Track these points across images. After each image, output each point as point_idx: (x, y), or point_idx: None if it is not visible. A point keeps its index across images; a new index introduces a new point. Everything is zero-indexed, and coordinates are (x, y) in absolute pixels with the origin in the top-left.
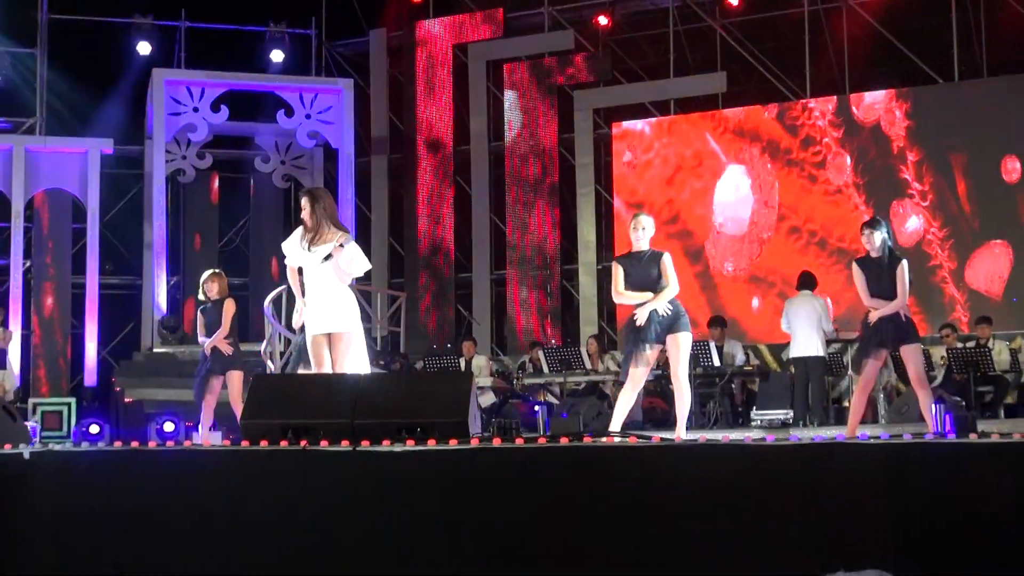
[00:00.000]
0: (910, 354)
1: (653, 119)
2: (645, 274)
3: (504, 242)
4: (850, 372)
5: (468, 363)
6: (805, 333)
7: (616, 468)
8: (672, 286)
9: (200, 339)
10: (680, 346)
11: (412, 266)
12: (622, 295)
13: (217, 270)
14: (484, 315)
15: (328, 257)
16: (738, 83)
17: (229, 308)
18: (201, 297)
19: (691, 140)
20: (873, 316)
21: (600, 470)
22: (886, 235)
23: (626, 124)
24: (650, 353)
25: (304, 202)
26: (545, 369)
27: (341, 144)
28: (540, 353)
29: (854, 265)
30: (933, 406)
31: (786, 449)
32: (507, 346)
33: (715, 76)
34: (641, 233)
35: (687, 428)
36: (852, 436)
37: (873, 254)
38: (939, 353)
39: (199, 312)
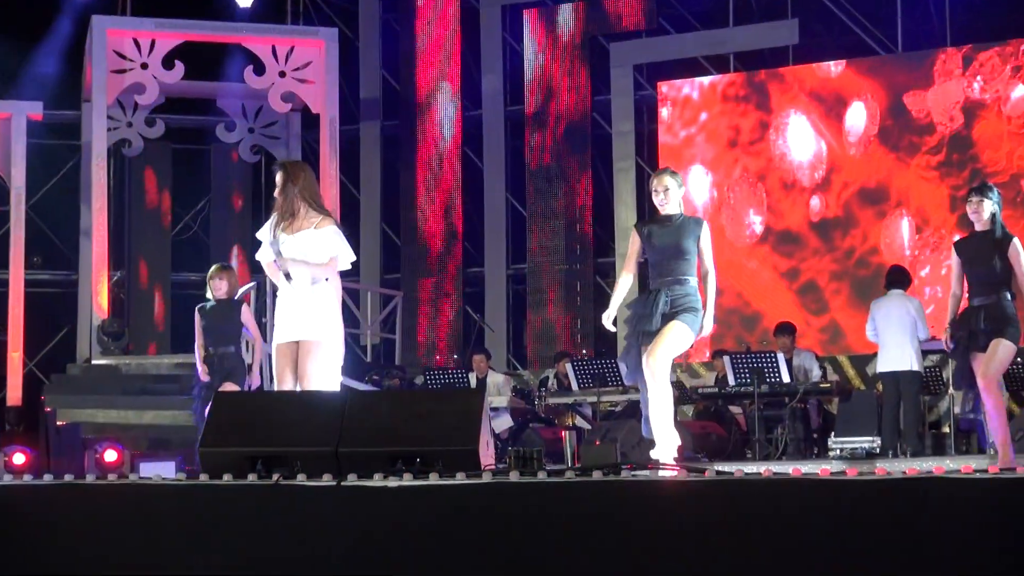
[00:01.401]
0: (994, 349)
1: (708, 78)
2: (673, 245)
3: (524, 229)
4: (951, 391)
5: (480, 379)
6: (896, 342)
7: (660, 508)
8: (711, 274)
9: (198, 349)
10: (667, 334)
11: (410, 259)
12: (618, 284)
13: (227, 264)
14: (499, 320)
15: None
16: (812, 34)
17: (248, 312)
18: (208, 296)
19: (754, 104)
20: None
21: (641, 510)
22: (996, 205)
23: (674, 84)
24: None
25: (277, 178)
26: (574, 386)
27: (323, 108)
28: (568, 366)
29: (952, 249)
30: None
31: (872, 485)
32: (527, 358)
33: (784, 24)
34: (664, 196)
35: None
36: (1008, 465)
37: (978, 227)
38: None
39: (197, 314)
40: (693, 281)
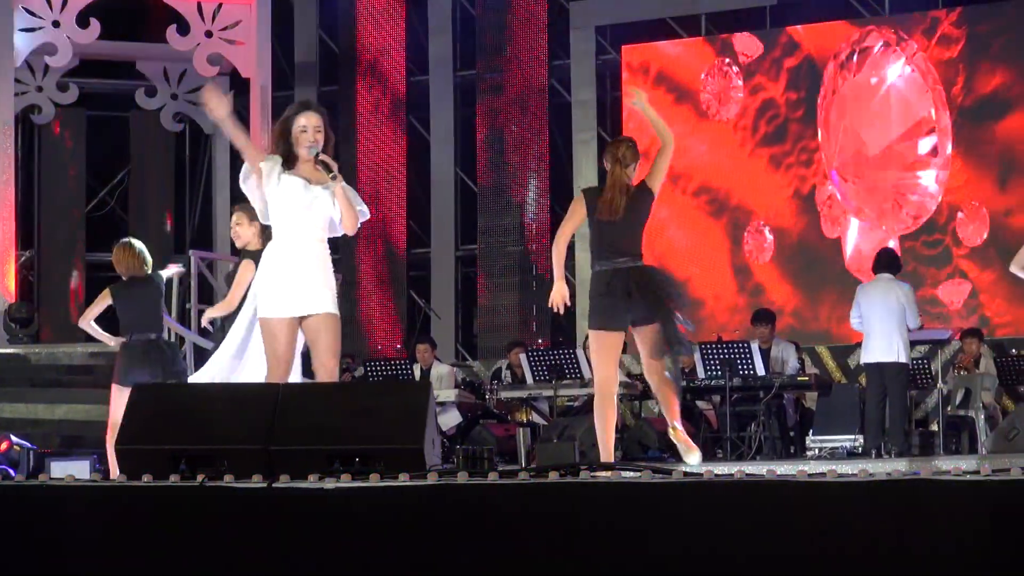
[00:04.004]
0: None
1: (678, 40)
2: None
3: (474, 207)
4: (940, 384)
5: (425, 370)
6: (883, 331)
7: (622, 512)
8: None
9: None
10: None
11: (348, 239)
12: (557, 245)
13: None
14: (447, 306)
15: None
16: None
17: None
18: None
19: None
20: None
21: (602, 515)
22: None
23: (641, 46)
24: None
25: (316, 120)
26: (529, 379)
27: (253, 72)
28: (522, 357)
29: None
30: None
31: (854, 488)
32: (477, 348)
33: None
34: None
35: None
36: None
37: None
38: None
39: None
40: None
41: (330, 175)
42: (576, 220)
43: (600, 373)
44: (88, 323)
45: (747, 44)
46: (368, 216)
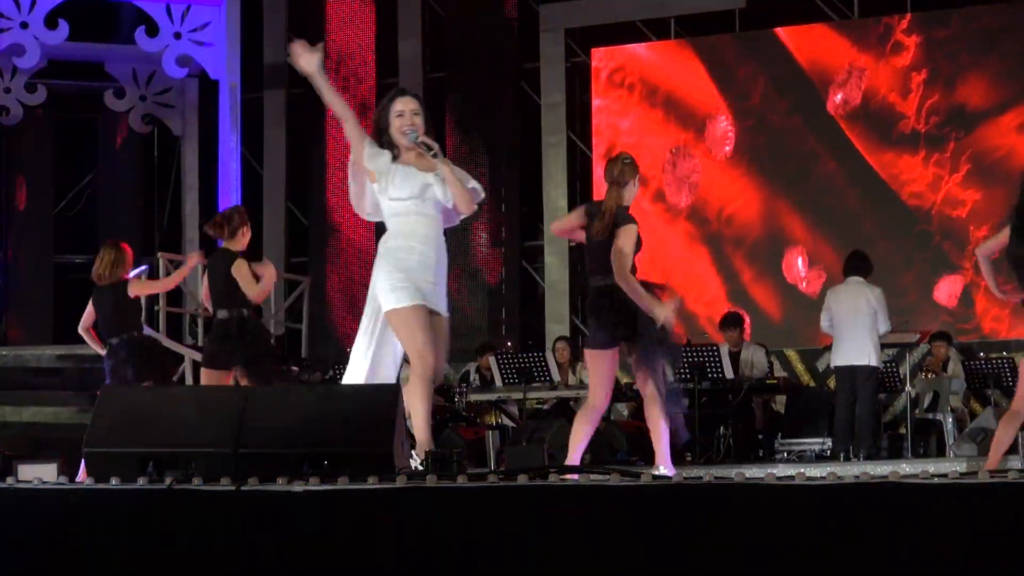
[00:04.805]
0: None
1: (648, 43)
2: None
3: None
4: (908, 387)
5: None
6: (854, 334)
7: (591, 515)
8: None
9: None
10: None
11: (319, 240)
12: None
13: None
14: None
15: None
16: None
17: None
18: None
19: (697, 73)
20: None
21: (570, 518)
22: None
23: (611, 49)
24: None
25: (413, 104)
26: (498, 382)
27: (222, 74)
28: (492, 360)
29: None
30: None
31: (823, 491)
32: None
33: None
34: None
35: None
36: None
37: None
38: None
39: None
40: None
41: (431, 153)
42: (568, 224)
43: (592, 392)
44: (86, 330)
45: (717, 47)
46: (483, 195)
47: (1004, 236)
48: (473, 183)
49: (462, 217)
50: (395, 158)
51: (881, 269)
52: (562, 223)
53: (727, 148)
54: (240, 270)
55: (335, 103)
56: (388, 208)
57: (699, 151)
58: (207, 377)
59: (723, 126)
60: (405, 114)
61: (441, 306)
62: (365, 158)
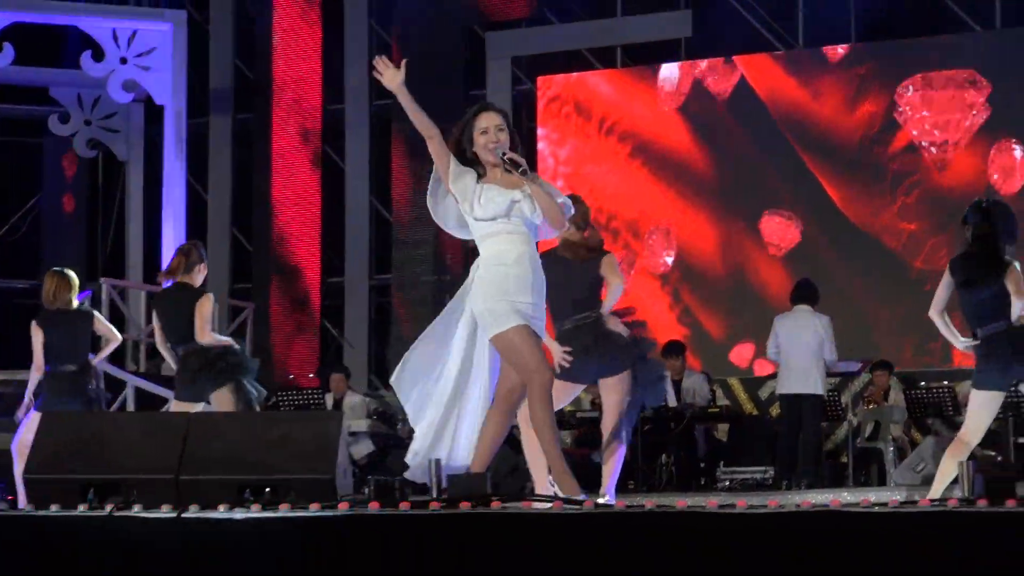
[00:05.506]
0: None
1: (594, 71)
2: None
3: (390, 236)
4: (850, 416)
5: (337, 400)
6: (802, 363)
7: (534, 543)
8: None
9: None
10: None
11: (262, 267)
12: None
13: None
14: (360, 335)
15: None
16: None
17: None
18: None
19: (645, 101)
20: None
21: (513, 546)
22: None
23: (556, 78)
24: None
25: (498, 119)
26: None
27: (168, 99)
28: None
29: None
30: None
31: (764, 519)
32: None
33: (677, 16)
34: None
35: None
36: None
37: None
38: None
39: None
40: None
41: (519, 171)
42: None
43: None
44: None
45: (664, 75)
46: (572, 210)
47: (944, 290)
48: (563, 198)
49: (556, 233)
50: (480, 176)
51: (838, 296)
52: None
53: (676, 173)
54: (205, 308)
55: (419, 119)
56: (476, 229)
57: (644, 175)
58: (179, 408)
59: (671, 150)
60: (490, 130)
61: (540, 327)
62: (450, 179)
